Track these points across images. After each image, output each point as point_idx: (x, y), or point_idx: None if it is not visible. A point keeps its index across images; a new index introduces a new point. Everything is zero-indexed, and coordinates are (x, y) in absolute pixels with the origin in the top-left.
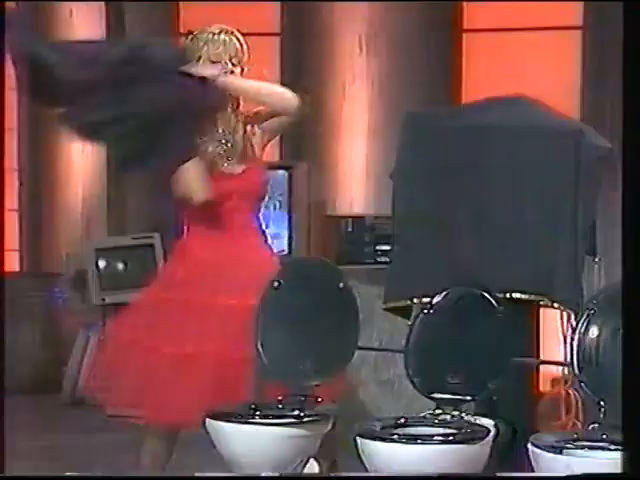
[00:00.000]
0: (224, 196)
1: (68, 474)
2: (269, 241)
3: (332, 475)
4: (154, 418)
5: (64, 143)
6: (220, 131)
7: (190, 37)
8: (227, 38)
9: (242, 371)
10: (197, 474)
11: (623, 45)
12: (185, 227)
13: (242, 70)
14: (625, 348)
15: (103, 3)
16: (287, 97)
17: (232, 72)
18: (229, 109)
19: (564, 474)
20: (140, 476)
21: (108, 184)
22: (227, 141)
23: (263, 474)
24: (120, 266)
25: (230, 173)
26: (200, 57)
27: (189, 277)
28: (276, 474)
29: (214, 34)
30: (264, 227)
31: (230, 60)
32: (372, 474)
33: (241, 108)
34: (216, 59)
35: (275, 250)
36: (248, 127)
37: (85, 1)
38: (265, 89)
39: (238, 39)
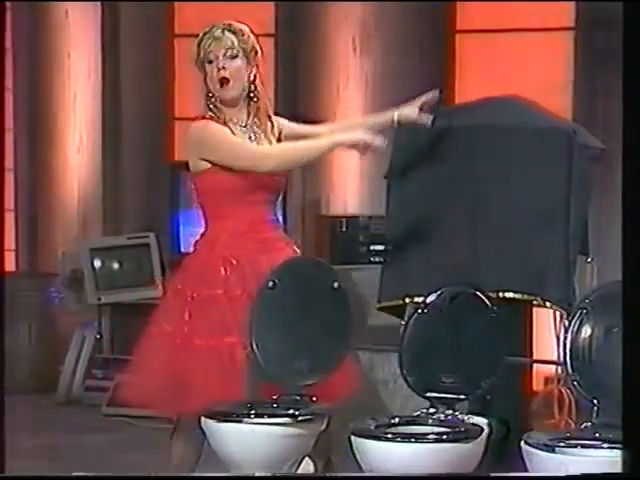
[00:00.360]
0: (248, 189)
1: (75, 474)
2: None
3: (330, 475)
4: (189, 411)
5: (60, 144)
6: (250, 120)
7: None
8: (220, 33)
9: None
10: (198, 474)
11: (623, 45)
12: (206, 222)
13: (249, 62)
14: (625, 348)
15: (99, 4)
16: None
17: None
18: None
19: (557, 473)
20: (140, 476)
21: (103, 184)
22: (255, 133)
23: (258, 474)
24: (115, 266)
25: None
26: (202, 59)
27: (217, 273)
28: (271, 474)
29: (206, 32)
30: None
31: (225, 55)
32: (371, 474)
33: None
34: (211, 57)
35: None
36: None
37: (80, 0)
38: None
39: (235, 33)
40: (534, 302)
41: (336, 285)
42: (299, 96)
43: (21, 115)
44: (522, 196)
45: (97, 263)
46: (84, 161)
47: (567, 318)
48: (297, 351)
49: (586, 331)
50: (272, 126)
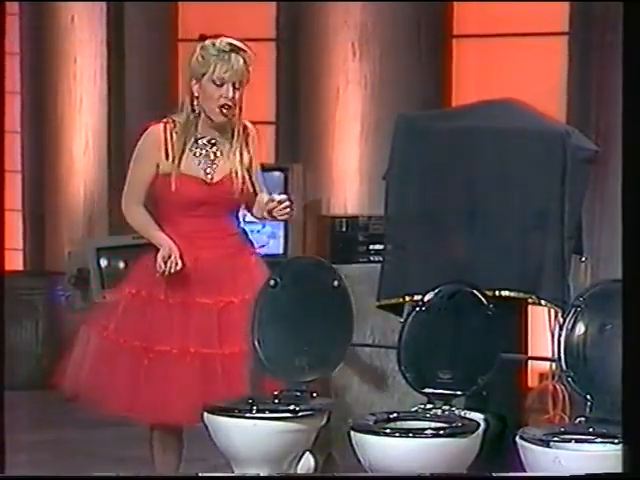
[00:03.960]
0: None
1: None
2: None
3: (331, 475)
4: (154, 419)
5: (67, 146)
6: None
7: (200, 46)
8: (235, 60)
9: (227, 366)
10: (200, 474)
11: (623, 45)
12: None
13: (241, 88)
14: (625, 347)
15: (104, 9)
16: None
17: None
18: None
19: (552, 467)
20: (139, 476)
21: (109, 185)
22: (215, 151)
23: (262, 474)
24: (121, 265)
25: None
26: (204, 74)
27: (169, 277)
28: (272, 469)
29: (224, 52)
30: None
31: (234, 84)
32: (371, 474)
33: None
34: (220, 82)
35: (259, 249)
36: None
37: (86, 0)
38: None
39: (246, 61)
40: (529, 300)
41: (336, 284)
42: (299, 99)
43: (28, 118)
44: (518, 196)
45: (103, 262)
46: (90, 163)
47: (561, 316)
48: (298, 348)
49: (580, 328)
50: (242, 146)
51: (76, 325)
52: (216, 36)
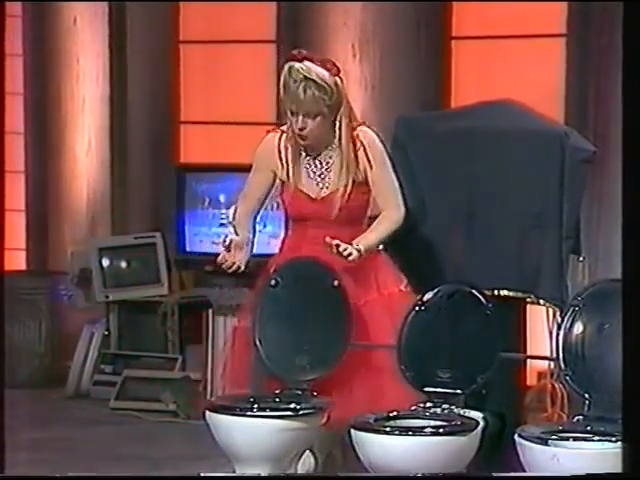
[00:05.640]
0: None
1: (71, 474)
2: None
3: (332, 475)
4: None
5: (69, 146)
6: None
7: (284, 67)
8: (303, 91)
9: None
10: (202, 474)
11: (623, 45)
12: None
13: (333, 111)
14: (625, 346)
15: (107, 11)
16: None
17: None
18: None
19: (550, 465)
20: (140, 476)
21: (111, 186)
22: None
23: (263, 472)
24: (123, 264)
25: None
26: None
27: None
28: (272, 467)
29: (295, 82)
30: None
31: (305, 115)
32: (371, 474)
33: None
34: (291, 111)
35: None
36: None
37: (90, 1)
38: (387, 235)
39: (319, 88)
40: (528, 299)
41: (336, 283)
42: None
43: (31, 119)
44: (516, 197)
45: (105, 262)
46: (93, 163)
47: (560, 315)
48: (299, 347)
49: (578, 327)
50: (351, 165)
51: (79, 324)
52: (300, 57)
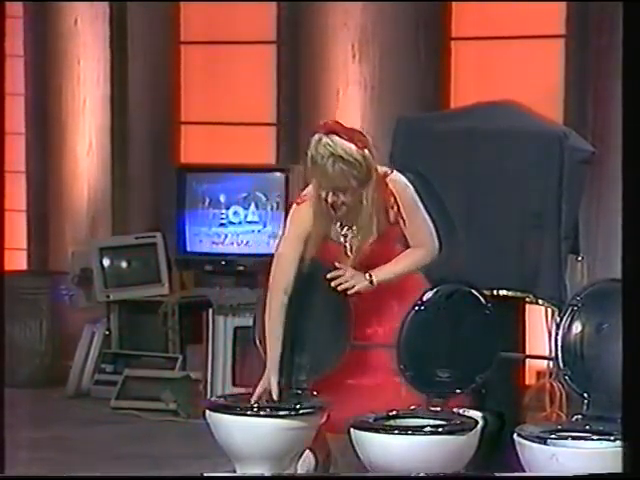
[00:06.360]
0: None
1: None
2: None
3: (332, 475)
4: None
5: (70, 147)
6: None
7: (313, 138)
8: (332, 168)
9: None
10: (205, 474)
11: (623, 45)
12: None
13: (363, 184)
14: (625, 346)
15: (107, 12)
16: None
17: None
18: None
19: (549, 464)
20: (140, 476)
21: (112, 186)
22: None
23: (263, 471)
24: (124, 264)
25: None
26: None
27: None
28: (272, 466)
29: (323, 157)
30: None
31: (334, 189)
32: (371, 474)
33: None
34: (320, 189)
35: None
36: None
37: (90, 0)
38: (411, 269)
39: (348, 164)
40: (527, 299)
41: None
42: (300, 101)
43: (32, 119)
44: (515, 197)
45: (106, 262)
46: (93, 164)
47: (558, 315)
48: (299, 347)
49: (577, 327)
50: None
51: (80, 323)
52: (328, 129)
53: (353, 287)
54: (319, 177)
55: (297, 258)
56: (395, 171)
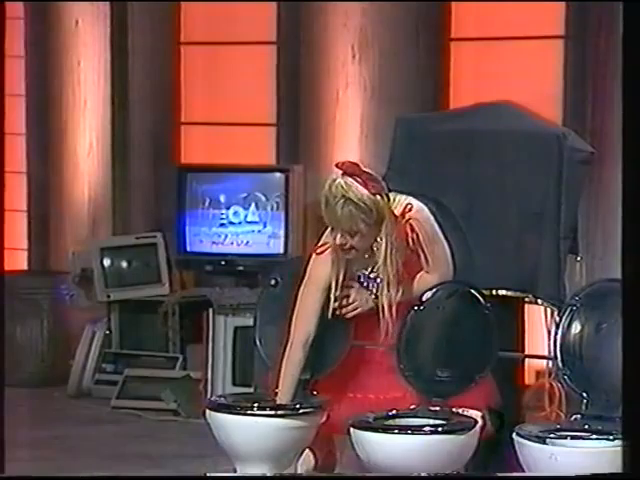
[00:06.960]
0: None
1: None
2: None
3: (332, 475)
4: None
5: (71, 148)
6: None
7: (328, 178)
8: (341, 209)
9: None
10: (208, 474)
11: (623, 45)
12: None
13: (374, 227)
14: (625, 346)
15: (108, 12)
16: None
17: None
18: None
19: (548, 463)
20: (140, 475)
21: (113, 186)
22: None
23: (263, 470)
24: (124, 264)
25: None
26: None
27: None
28: (273, 465)
29: (335, 197)
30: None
31: (343, 231)
32: (371, 474)
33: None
34: (331, 226)
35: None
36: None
37: (91, 1)
38: (421, 291)
39: (358, 207)
40: (526, 299)
41: None
42: (300, 102)
43: (33, 120)
44: (515, 197)
45: (106, 262)
46: (94, 164)
47: (558, 314)
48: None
49: (576, 327)
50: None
51: (80, 323)
52: (345, 170)
53: (353, 311)
54: (330, 219)
55: (319, 309)
56: (415, 205)
